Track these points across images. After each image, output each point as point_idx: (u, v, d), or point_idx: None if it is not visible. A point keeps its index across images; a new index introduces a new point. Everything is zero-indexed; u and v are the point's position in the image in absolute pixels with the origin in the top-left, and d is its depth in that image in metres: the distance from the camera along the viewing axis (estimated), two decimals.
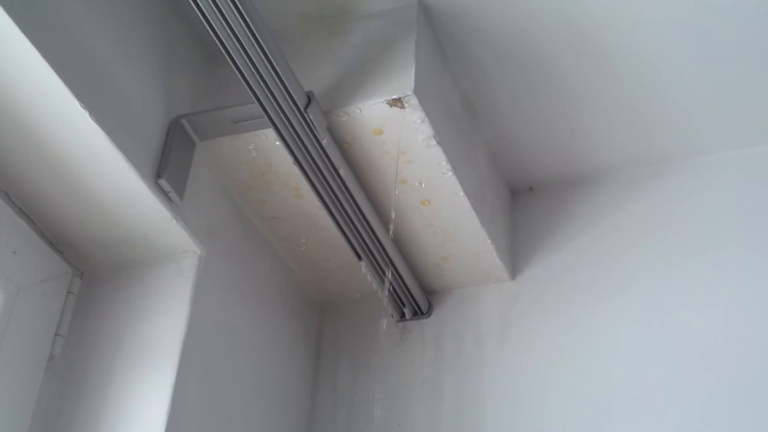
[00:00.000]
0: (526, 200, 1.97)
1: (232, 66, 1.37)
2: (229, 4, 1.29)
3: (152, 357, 1.44)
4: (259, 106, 1.41)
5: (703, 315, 1.65)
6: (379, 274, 1.73)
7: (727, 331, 1.62)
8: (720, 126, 1.80)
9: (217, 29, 1.32)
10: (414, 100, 1.47)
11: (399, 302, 1.82)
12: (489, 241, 1.74)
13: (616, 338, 1.68)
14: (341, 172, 1.54)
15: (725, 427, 1.52)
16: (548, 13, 1.61)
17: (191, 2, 1.29)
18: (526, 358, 1.73)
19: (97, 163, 1.38)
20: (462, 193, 1.64)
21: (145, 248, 1.52)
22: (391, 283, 1.75)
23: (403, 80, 1.47)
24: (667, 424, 1.56)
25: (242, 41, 1.34)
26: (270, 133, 1.51)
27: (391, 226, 1.63)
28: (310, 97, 1.45)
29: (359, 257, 1.69)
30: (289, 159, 1.51)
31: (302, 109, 1.44)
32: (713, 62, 1.68)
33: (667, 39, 1.64)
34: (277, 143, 1.52)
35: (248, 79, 1.38)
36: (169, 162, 1.45)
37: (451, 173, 1.60)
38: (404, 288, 1.79)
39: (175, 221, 1.47)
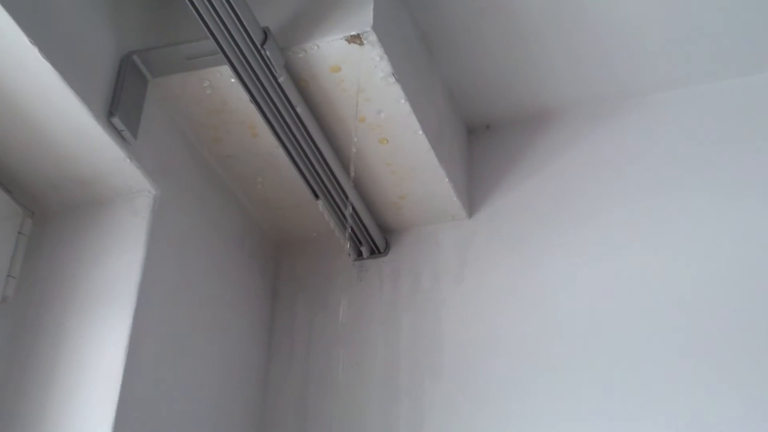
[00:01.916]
0: (483, 138, 1.97)
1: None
2: None
3: (108, 298, 1.43)
4: (214, 42, 1.37)
5: (657, 251, 1.68)
6: (337, 212, 1.72)
7: (679, 266, 1.65)
8: (678, 62, 1.80)
9: None
10: (373, 37, 1.44)
11: (356, 241, 1.82)
12: (447, 180, 1.74)
13: (571, 275, 1.71)
14: (298, 110, 1.52)
15: (674, 360, 1.56)
16: None
17: None
18: (483, 295, 1.74)
19: (47, 101, 1.34)
20: (420, 132, 1.63)
21: (98, 188, 1.49)
22: (347, 220, 1.75)
23: (362, 16, 1.44)
24: (618, 360, 1.59)
25: None
26: (225, 69, 1.47)
27: (352, 166, 1.62)
28: (266, 33, 1.42)
29: (316, 196, 1.67)
30: (245, 97, 1.48)
31: (259, 46, 1.40)
32: (665, 2, 1.67)
33: None
34: (233, 80, 1.48)
35: (202, 14, 1.34)
36: (122, 99, 1.42)
37: (409, 111, 1.58)
38: (362, 227, 1.79)
39: (128, 160, 1.44)
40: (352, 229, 1.78)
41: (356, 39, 1.45)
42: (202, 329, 1.60)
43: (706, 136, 1.78)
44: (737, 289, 1.59)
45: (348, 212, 1.71)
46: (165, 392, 1.47)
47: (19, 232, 1.49)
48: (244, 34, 1.39)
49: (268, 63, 1.42)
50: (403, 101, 1.56)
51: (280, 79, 1.45)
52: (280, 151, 1.58)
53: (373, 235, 1.82)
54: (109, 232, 1.49)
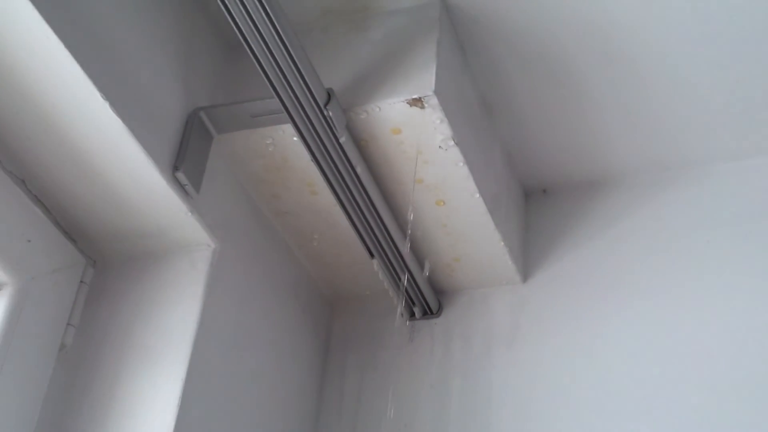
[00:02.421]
0: (540, 202, 1.96)
1: (253, 59, 1.36)
2: None
3: (163, 350, 1.44)
4: (278, 101, 1.40)
5: (715, 327, 1.64)
6: (391, 272, 1.72)
7: (734, 340, 1.61)
8: (741, 133, 1.79)
9: (238, 21, 1.31)
10: (434, 101, 1.46)
11: (410, 301, 1.82)
12: (502, 244, 1.74)
13: (625, 344, 1.68)
14: (358, 169, 1.54)
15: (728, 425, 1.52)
16: (569, 14, 1.60)
17: None
18: (535, 361, 1.72)
19: (114, 154, 1.37)
20: (477, 195, 1.63)
21: (159, 240, 1.52)
22: (403, 283, 1.75)
23: (424, 80, 1.46)
24: (665, 424, 1.56)
25: (263, 34, 1.33)
26: (288, 128, 1.50)
27: (409, 229, 1.63)
28: (330, 94, 1.44)
29: (372, 255, 1.68)
30: (306, 155, 1.50)
31: (322, 106, 1.43)
32: (733, 69, 1.67)
33: (688, 44, 1.63)
34: (295, 139, 1.51)
35: (269, 74, 1.37)
36: (187, 155, 1.45)
37: (467, 174, 1.59)
38: (415, 287, 1.79)
39: (190, 214, 1.46)
40: (406, 290, 1.78)
41: (418, 102, 1.47)
42: (253, 384, 1.61)
43: (765, 210, 1.75)
44: None
45: (404, 278, 1.71)
46: None
47: (81, 281, 1.52)
48: (308, 95, 1.41)
49: (330, 123, 1.45)
50: (462, 164, 1.57)
51: (342, 140, 1.47)
52: (338, 209, 1.60)
53: (426, 295, 1.82)
54: (167, 284, 1.51)
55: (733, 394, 1.56)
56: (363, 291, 1.90)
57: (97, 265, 1.55)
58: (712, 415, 1.55)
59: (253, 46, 1.34)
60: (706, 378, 1.59)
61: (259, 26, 1.32)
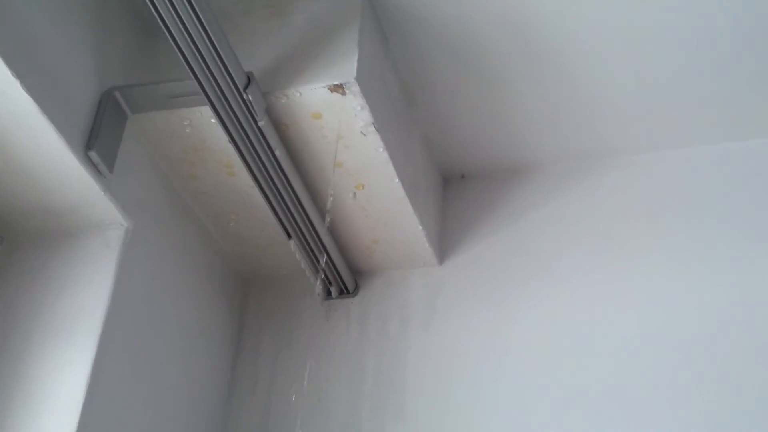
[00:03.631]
0: (458, 187, 1.98)
1: (170, 40, 1.33)
2: None
3: (73, 329, 1.42)
4: (196, 83, 1.38)
5: (623, 308, 1.70)
6: (308, 253, 1.72)
7: (643, 322, 1.67)
8: (655, 125, 1.83)
9: (155, 1, 1.27)
10: (355, 88, 1.45)
11: (326, 281, 1.82)
12: (420, 227, 1.75)
13: (539, 326, 1.72)
14: (277, 153, 1.52)
15: (642, 410, 1.58)
16: (491, 4, 1.60)
17: None
18: (449, 342, 1.75)
19: (26, 131, 1.34)
20: (396, 180, 1.64)
21: (71, 218, 1.49)
22: (319, 262, 1.75)
23: (346, 67, 1.46)
24: (587, 406, 1.61)
25: (181, 15, 1.30)
26: (206, 109, 1.48)
27: (328, 210, 1.63)
28: (249, 78, 1.42)
29: (289, 236, 1.68)
30: (224, 136, 1.48)
31: (241, 90, 1.41)
32: (651, 62, 1.70)
33: (606, 37, 1.65)
34: (213, 121, 1.49)
35: (186, 55, 1.35)
36: (100, 134, 1.42)
37: (387, 159, 1.59)
38: (332, 267, 1.79)
39: (102, 193, 1.44)
40: (323, 270, 1.78)
41: (339, 89, 1.46)
42: (165, 362, 1.60)
43: (678, 199, 1.81)
44: (701, 345, 1.61)
45: (323, 260, 1.71)
46: (125, 425, 1.46)
47: None
48: (227, 78, 1.39)
49: (250, 107, 1.43)
50: (382, 150, 1.57)
51: (261, 123, 1.46)
52: (256, 190, 1.59)
53: (343, 276, 1.83)
54: (79, 263, 1.48)
55: (645, 373, 1.61)
56: (280, 271, 1.90)
57: (6, 242, 1.51)
58: (626, 393, 1.60)
59: (170, 26, 1.31)
60: (619, 357, 1.64)
61: (177, 6, 1.29)
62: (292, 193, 1.60)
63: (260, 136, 1.49)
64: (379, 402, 1.72)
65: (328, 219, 1.64)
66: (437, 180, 1.96)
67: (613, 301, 1.71)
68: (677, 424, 1.54)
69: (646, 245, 1.76)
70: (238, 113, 1.44)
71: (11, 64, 1.25)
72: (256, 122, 1.46)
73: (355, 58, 1.46)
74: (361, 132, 1.53)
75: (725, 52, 1.66)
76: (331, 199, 1.64)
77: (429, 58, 1.70)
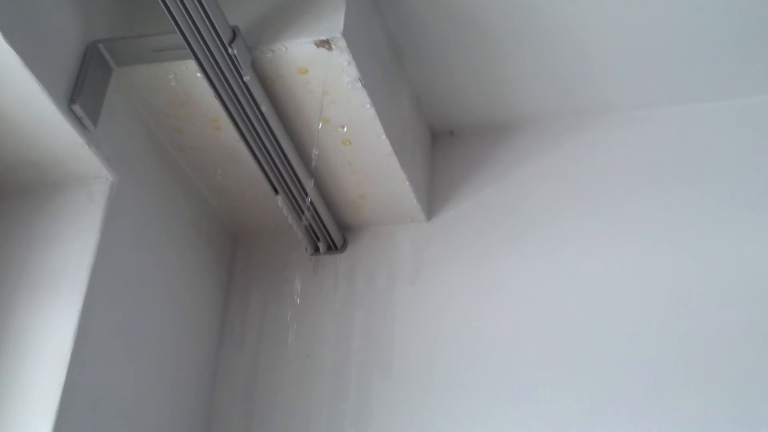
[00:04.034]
0: (446, 143, 1.98)
1: None
2: None
3: (59, 282, 1.42)
4: (181, 37, 1.36)
5: (607, 258, 1.71)
6: (295, 208, 1.72)
7: (633, 278, 1.68)
8: (637, 84, 1.82)
9: None
10: (342, 43, 1.44)
11: (314, 236, 1.82)
12: (407, 183, 1.75)
13: (525, 282, 1.73)
14: (263, 108, 1.51)
15: (623, 363, 1.59)
16: None
17: None
18: (437, 296, 1.76)
19: (8, 84, 1.33)
20: (384, 136, 1.63)
21: (55, 172, 1.48)
22: (306, 217, 1.75)
23: (333, 22, 1.44)
24: (564, 362, 1.62)
25: None
26: (191, 63, 1.46)
27: (313, 163, 1.62)
28: (235, 32, 1.41)
29: (276, 191, 1.67)
30: (209, 90, 1.47)
31: (227, 44, 1.39)
32: (634, 22, 1.69)
33: None
34: (198, 75, 1.47)
35: (171, 9, 1.33)
36: (84, 87, 1.41)
37: (374, 115, 1.58)
38: (320, 223, 1.79)
39: (87, 147, 1.43)
40: (311, 225, 1.78)
41: (325, 44, 1.44)
42: (153, 316, 1.61)
43: (660, 157, 1.81)
44: (693, 302, 1.62)
45: (306, 214, 1.71)
46: (113, 377, 1.47)
47: None
48: (212, 32, 1.38)
49: (236, 62, 1.42)
50: (368, 106, 1.56)
51: (246, 78, 1.45)
52: (242, 145, 1.58)
53: (330, 231, 1.83)
54: (63, 216, 1.48)
55: (626, 328, 1.63)
56: (267, 226, 1.90)
57: None
58: (613, 345, 1.61)
59: None
60: (607, 312, 1.65)
61: None
62: (278, 149, 1.60)
63: (246, 91, 1.47)
64: (366, 356, 1.73)
65: (311, 179, 1.63)
66: (426, 136, 1.95)
67: (602, 256, 1.72)
68: (667, 383, 1.56)
69: (636, 202, 1.76)
70: (224, 68, 1.42)
71: None
72: (241, 77, 1.44)
73: (342, 12, 1.44)
74: (348, 87, 1.52)
75: (717, 10, 1.65)
76: (316, 153, 1.63)
77: (418, 13, 1.68)
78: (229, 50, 1.40)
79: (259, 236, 1.93)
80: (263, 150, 1.58)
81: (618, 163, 1.82)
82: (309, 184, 1.65)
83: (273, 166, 1.62)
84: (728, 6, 1.64)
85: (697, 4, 1.64)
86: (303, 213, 1.73)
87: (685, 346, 1.58)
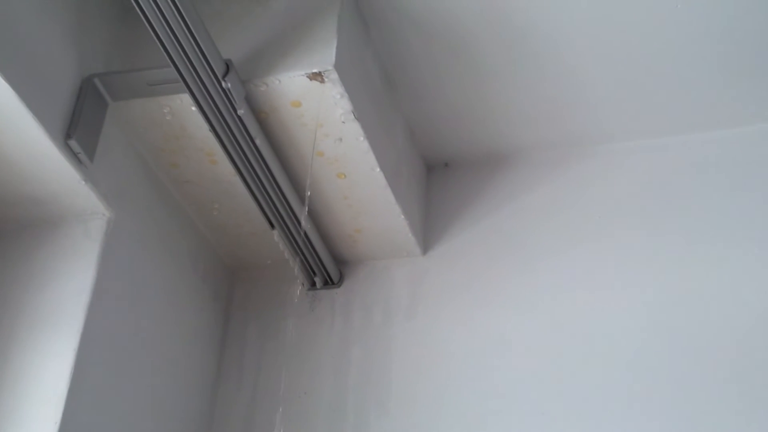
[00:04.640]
0: (441, 176, 1.98)
1: (148, 27, 1.33)
2: None
3: (55, 321, 1.42)
4: (175, 70, 1.38)
5: (604, 293, 1.71)
6: (292, 242, 1.73)
7: (628, 312, 1.67)
8: (631, 115, 1.83)
9: None
10: (334, 75, 1.45)
11: (310, 271, 1.83)
12: (402, 217, 1.76)
13: (521, 316, 1.72)
14: (257, 141, 1.53)
15: (623, 404, 1.58)
16: None
17: None
18: (433, 332, 1.76)
19: (4, 120, 1.34)
20: (378, 169, 1.64)
21: (52, 208, 1.49)
22: (303, 252, 1.76)
23: (325, 54, 1.46)
24: (564, 402, 1.61)
25: (159, 1, 1.30)
26: (186, 97, 1.48)
27: (306, 197, 1.63)
28: (228, 66, 1.43)
29: (272, 226, 1.68)
30: (205, 124, 1.48)
31: (220, 78, 1.41)
32: (627, 53, 1.70)
33: (584, 27, 1.65)
34: (193, 108, 1.49)
35: (164, 42, 1.35)
36: (80, 122, 1.42)
37: (368, 148, 1.59)
38: (316, 257, 1.80)
39: (84, 183, 1.44)
40: (307, 259, 1.78)
41: (318, 76, 1.46)
42: (149, 354, 1.60)
43: (653, 187, 1.81)
44: (677, 332, 1.62)
45: (302, 246, 1.71)
46: (109, 417, 1.46)
47: None
48: (206, 65, 1.39)
49: (229, 95, 1.43)
50: (362, 139, 1.57)
51: (240, 112, 1.46)
52: (238, 179, 1.59)
53: (327, 266, 1.83)
54: (60, 253, 1.48)
55: (623, 365, 1.62)
56: (264, 261, 1.90)
57: None
58: (610, 381, 1.61)
59: (147, 12, 1.31)
60: (604, 347, 1.65)
61: None
62: (273, 183, 1.61)
63: (240, 125, 1.49)
64: (364, 394, 1.72)
65: (305, 210, 1.64)
66: (420, 169, 1.96)
67: (598, 291, 1.72)
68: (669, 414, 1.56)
69: (632, 235, 1.76)
70: (218, 101, 1.44)
71: None
72: (235, 110, 1.46)
73: (334, 45, 1.46)
74: (341, 120, 1.54)
75: (710, 40, 1.67)
76: (309, 189, 1.64)
77: (411, 45, 1.70)
78: (223, 84, 1.42)
79: (257, 271, 1.93)
80: (258, 184, 1.59)
81: (614, 194, 1.83)
82: (303, 213, 1.66)
83: (268, 199, 1.63)
84: (729, 33, 1.65)
85: (694, 34, 1.66)
86: (299, 247, 1.73)
87: (699, 382, 1.57)
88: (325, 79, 1.46)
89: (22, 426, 1.33)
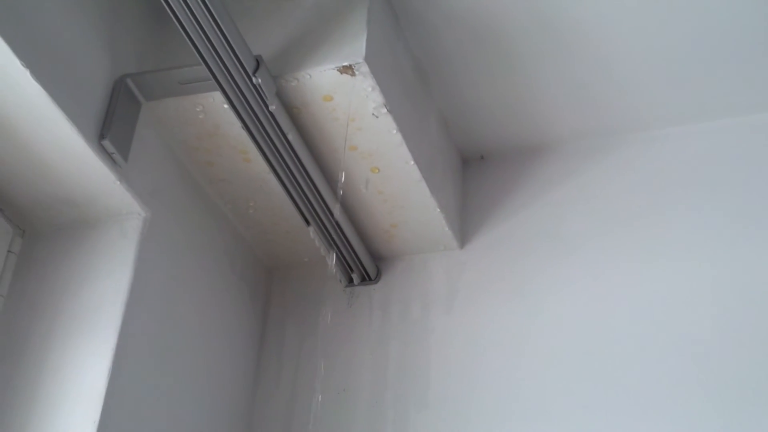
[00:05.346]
0: (477, 168, 1.97)
1: (177, 26, 1.33)
2: None
3: (93, 320, 1.42)
4: (206, 68, 1.38)
5: (646, 284, 1.68)
6: (328, 239, 1.72)
7: (668, 299, 1.65)
8: (668, 102, 1.81)
9: None
10: (365, 68, 1.45)
11: (347, 267, 1.82)
12: (438, 210, 1.74)
13: (560, 308, 1.70)
14: (290, 137, 1.52)
15: (667, 390, 1.55)
16: None
17: None
18: (472, 326, 1.74)
19: (38, 122, 1.35)
20: (412, 162, 1.63)
21: (88, 209, 1.50)
22: (339, 249, 1.75)
23: (355, 47, 1.45)
24: (610, 393, 1.58)
25: (189, 0, 1.30)
26: (218, 95, 1.48)
27: (339, 192, 1.62)
28: (258, 62, 1.42)
29: (307, 222, 1.68)
30: (237, 121, 1.48)
31: (251, 74, 1.41)
32: (664, 39, 1.68)
33: (620, 14, 1.63)
34: (225, 106, 1.49)
35: (194, 41, 1.35)
36: (113, 122, 1.43)
37: (401, 141, 1.58)
38: (353, 254, 1.79)
39: (119, 183, 1.45)
40: (344, 256, 1.78)
41: (348, 70, 1.45)
42: (188, 353, 1.60)
43: (692, 174, 1.78)
44: (731, 325, 1.58)
45: (336, 233, 1.70)
46: (147, 415, 1.46)
47: (9, 251, 1.50)
48: (236, 62, 1.39)
49: (260, 91, 1.43)
50: (395, 132, 1.56)
51: (272, 108, 1.46)
52: (272, 176, 1.59)
53: (364, 262, 1.82)
54: (97, 253, 1.49)
55: (666, 350, 1.59)
56: (301, 258, 1.90)
57: (26, 235, 1.53)
58: (652, 374, 1.58)
59: (177, 11, 1.31)
60: (637, 336, 1.62)
61: None
62: (307, 179, 1.60)
63: (272, 121, 1.49)
64: (403, 389, 1.71)
65: (338, 205, 1.63)
66: (456, 162, 1.94)
67: (639, 281, 1.69)
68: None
69: (673, 224, 1.73)
70: (249, 98, 1.44)
71: (20, 54, 1.26)
72: (267, 106, 1.46)
73: (364, 37, 1.46)
74: (373, 114, 1.53)
75: (749, 24, 1.64)
76: (342, 184, 1.63)
77: (442, 35, 1.69)
78: (254, 80, 1.42)
79: (294, 269, 1.93)
80: (293, 180, 1.59)
81: (650, 182, 1.80)
82: (336, 207, 1.65)
83: (303, 196, 1.63)
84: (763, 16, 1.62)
85: (727, 17, 1.63)
86: (336, 243, 1.73)
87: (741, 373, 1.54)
88: (356, 72, 1.46)
89: (61, 425, 1.34)
